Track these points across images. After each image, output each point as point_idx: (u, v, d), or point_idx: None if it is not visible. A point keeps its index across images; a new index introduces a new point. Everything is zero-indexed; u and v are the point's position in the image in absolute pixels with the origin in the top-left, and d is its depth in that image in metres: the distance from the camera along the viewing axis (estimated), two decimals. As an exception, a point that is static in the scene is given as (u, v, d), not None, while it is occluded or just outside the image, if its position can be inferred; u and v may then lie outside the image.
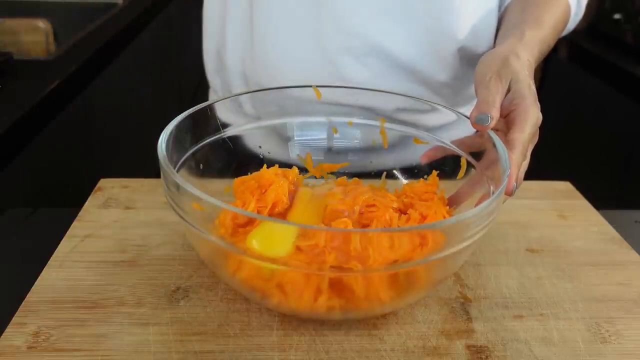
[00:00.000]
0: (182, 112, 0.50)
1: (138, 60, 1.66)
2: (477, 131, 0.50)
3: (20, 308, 0.47)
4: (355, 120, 0.60)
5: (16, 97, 0.97)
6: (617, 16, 1.63)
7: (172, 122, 0.49)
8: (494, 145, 0.48)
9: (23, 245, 0.58)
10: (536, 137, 0.51)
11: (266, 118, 0.60)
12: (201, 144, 0.54)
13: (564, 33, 0.69)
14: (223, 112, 0.56)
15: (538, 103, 0.50)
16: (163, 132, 0.47)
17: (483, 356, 0.44)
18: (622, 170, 1.56)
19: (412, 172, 0.59)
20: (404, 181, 0.59)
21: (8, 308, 0.47)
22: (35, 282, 0.50)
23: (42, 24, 1.24)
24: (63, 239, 0.56)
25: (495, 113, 0.48)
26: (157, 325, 0.46)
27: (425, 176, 0.55)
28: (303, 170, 0.59)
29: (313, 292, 0.41)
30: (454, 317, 0.48)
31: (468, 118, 0.50)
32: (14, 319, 0.46)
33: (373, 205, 0.48)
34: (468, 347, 0.45)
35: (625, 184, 1.54)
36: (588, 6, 0.72)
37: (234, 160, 0.56)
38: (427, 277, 0.44)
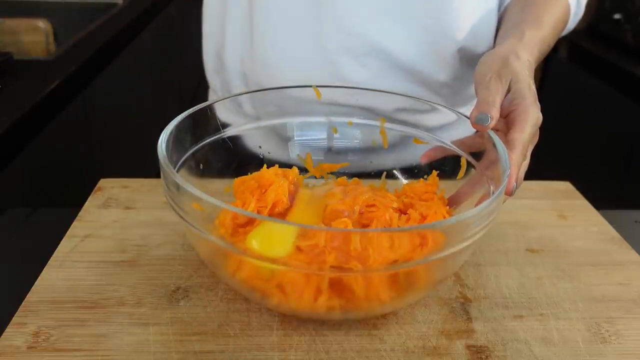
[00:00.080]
0: (182, 112, 0.50)
1: (138, 60, 1.66)
2: (477, 131, 0.50)
3: (20, 308, 0.47)
4: (355, 120, 0.60)
5: (16, 97, 0.97)
6: (617, 16, 1.63)
7: (172, 122, 0.49)
8: (494, 145, 0.48)
9: (23, 245, 0.58)
10: (536, 137, 0.51)
11: (266, 118, 0.60)
12: (201, 144, 0.54)
13: (564, 33, 0.69)
14: (223, 112, 0.56)
15: (538, 103, 0.50)
16: (163, 132, 0.47)
17: (483, 356, 0.44)
18: (622, 170, 1.56)
19: (412, 172, 0.58)
20: (404, 181, 0.59)
21: (8, 308, 0.47)
22: (35, 282, 0.50)
23: (42, 24, 1.24)
24: (63, 239, 0.56)
25: (495, 113, 0.48)
26: (157, 325, 0.46)
27: (425, 176, 0.55)
28: (303, 170, 0.59)
29: (313, 292, 0.41)
30: (454, 317, 0.48)
31: (468, 118, 0.50)
32: (14, 319, 0.46)
33: (373, 205, 0.48)
34: (468, 347, 0.45)
35: (625, 184, 1.54)
36: (588, 6, 0.72)
37: (234, 160, 0.56)
38: (427, 277, 0.44)
